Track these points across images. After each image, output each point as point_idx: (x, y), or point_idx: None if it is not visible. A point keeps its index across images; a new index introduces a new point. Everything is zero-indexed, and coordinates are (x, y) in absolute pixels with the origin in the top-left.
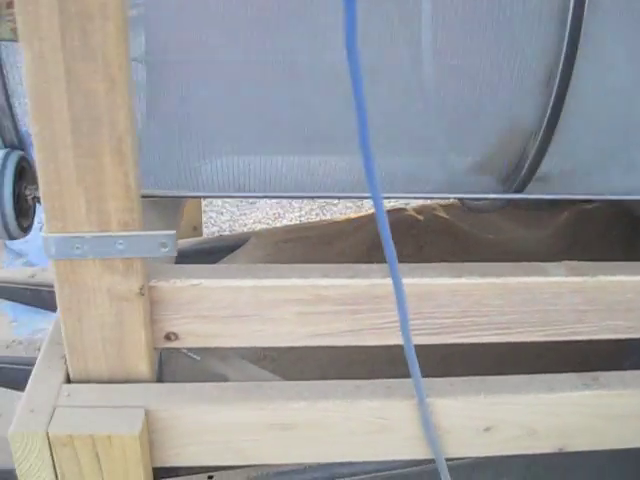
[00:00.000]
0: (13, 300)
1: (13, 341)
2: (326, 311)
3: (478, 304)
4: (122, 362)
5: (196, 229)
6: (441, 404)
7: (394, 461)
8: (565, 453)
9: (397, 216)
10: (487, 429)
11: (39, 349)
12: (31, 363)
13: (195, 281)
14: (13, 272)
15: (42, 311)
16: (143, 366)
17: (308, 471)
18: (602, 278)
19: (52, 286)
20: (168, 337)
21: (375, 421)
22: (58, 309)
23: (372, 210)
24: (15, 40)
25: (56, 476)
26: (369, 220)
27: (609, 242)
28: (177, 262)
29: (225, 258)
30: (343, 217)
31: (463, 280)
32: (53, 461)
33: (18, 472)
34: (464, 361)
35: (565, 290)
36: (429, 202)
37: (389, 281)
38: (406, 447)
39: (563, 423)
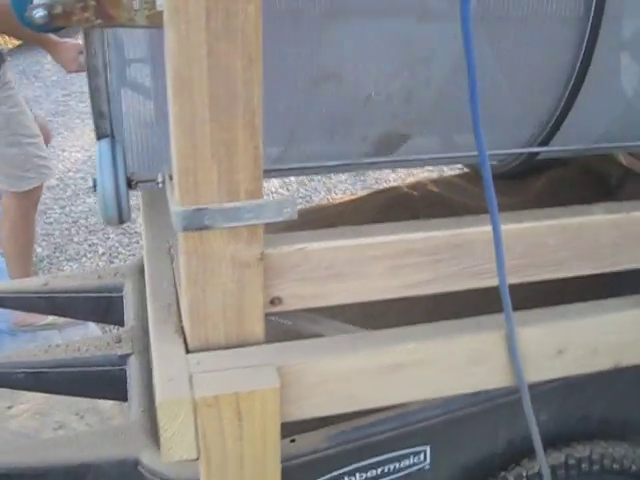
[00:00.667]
0: (29, 310)
1: (50, 345)
2: (413, 262)
3: (536, 246)
4: (240, 327)
5: None
6: (523, 333)
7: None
8: None
9: (394, 193)
10: (559, 352)
11: (78, 349)
12: (74, 364)
13: (300, 245)
14: (25, 282)
15: None
16: (258, 329)
17: (378, 424)
18: (635, 214)
19: (67, 292)
20: (272, 302)
21: (472, 354)
22: (182, 282)
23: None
24: (150, 27)
25: (197, 438)
26: (367, 199)
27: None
28: None
29: None
30: (342, 199)
31: (525, 225)
32: (196, 424)
33: (162, 440)
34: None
35: (605, 226)
36: (421, 179)
37: (462, 231)
38: (495, 376)
39: (619, 341)
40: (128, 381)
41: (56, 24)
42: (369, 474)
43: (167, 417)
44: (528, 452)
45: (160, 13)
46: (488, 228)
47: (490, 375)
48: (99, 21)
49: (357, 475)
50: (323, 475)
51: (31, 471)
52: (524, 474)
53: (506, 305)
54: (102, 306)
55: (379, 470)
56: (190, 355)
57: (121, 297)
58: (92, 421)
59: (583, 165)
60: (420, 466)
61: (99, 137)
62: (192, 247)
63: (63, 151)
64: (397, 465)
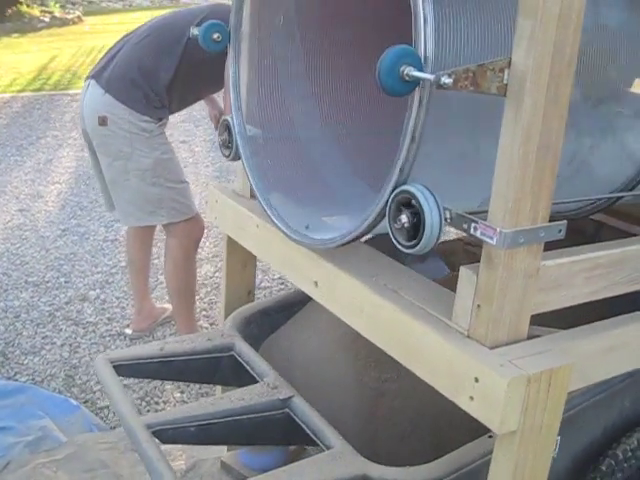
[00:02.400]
0: (145, 377)
1: (215, 397)
2: (599, 274)
3: None
4: (517, 326)
5: (250, 293)
6: None
7: None
8: None
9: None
10: None
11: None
12: (241, 413)
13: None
14: (142, 348)
15: None
16: (525, 328)
17: None
18: None
19: (182, 355)
20: None
21: None
22: (486, 292)
23: None
24: (496, 95)
25: (522, 411)
26: None
27: None
28: (263, 321)
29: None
30: None
31: None
32: (524, 398)
33: (499, 416)
34: None
35: None
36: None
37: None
38: None
39: None
40: (305, 418)
41: (454, 88)
42: None
43: (507, 394)
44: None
45: (505, 86)
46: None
47: None
48: (471, 88)
49: None
50: None
51: None
52: (628, 448)
53: None
54: (213, 366)
55: None
56: (493, 350)
57: (231, 356)
58: None
59: None
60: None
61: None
62: (506, 262)
63: None
64: None
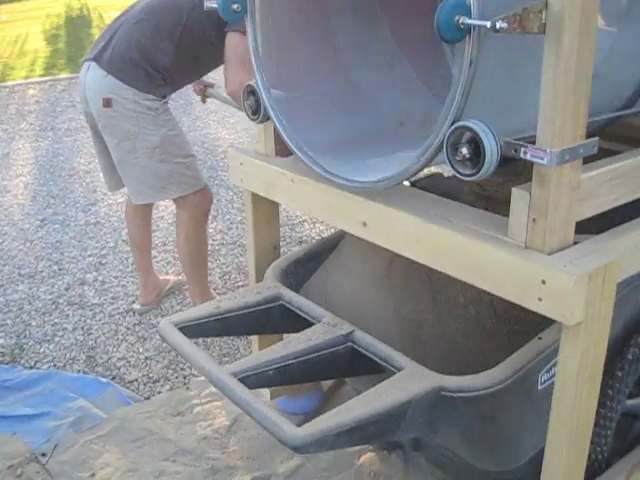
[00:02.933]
0: (205, 335)
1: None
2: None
3: None
4: (565, 232)
5: (276, 248)
6: None
7: None
8: None
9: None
10: None
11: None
12: (309, 352)
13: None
14: (200, 309)
15: None
16: (572, 234)
17: None
18: None
19: (239, 309)
20: None
21: None
22: (545, 203)
23: None
24: (536, 33)
25: (586, 304)
26: None
27: None
28: (297, 271)
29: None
30: None
31: None
32: (587, 292)
33: (569, 312)
34: None
35: None
36: None
37: None
38: None
39: None
40: (370, 347)
41: (507, 31)
42: None
43: (574, 290)
44: None
45: (544, 25)
46: None
47: None
48: (519, 30)
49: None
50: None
51: (369, 419)
52: None
53: None
54: (265, 318)
55: None
56: (552, 256)
57: (280, 306)
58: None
59: None
60: None
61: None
62: (556, 178)
63: None
64: None
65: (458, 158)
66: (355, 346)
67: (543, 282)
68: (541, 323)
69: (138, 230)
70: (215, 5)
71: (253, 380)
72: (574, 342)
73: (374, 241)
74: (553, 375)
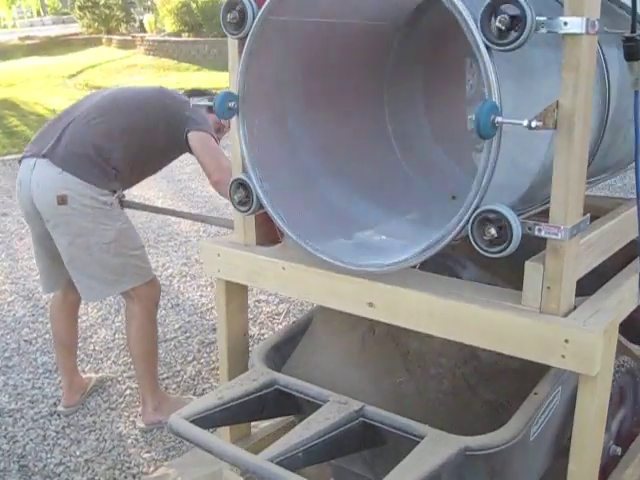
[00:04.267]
0: (211, 426)
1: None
2: (591, 249)
3: None
4: (570, 297)
5: (246, 335)
6: None
7: None
8: None
9: None
10: None
11: None
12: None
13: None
14: (203, 401)
15: None
16: (573, 296)
17: None
18: None
19: (239, 398)
20: None
21: None
22: (547, 278)
23: None
24: (553, 128)
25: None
26: None
27: None
28: (276, 355)
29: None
30: None
31: None
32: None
33: (592, 361)
34: None
35: None
36: None
37: None
38: None
39: None
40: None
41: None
42: None
43: (595, 345)
44: None
45: (555, 121)
46: None
47: None
48: (542, 125)
49: None
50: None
51: None
52: None
53: None
54: (262, 403)
55: None
56: (566, 318)
57: (275, 390)
58: None
59: None
60: None
61: None
62: (567, 250)
63: None
64: None
65: (486, 238)
66: (367, 420)
67: (566, 341)
68: (513, 389)
69: (64, 329)
70: (207, 103)
71: (285, 464)
72: (593, 390)
73: (381, 319)
74: (540, 426)
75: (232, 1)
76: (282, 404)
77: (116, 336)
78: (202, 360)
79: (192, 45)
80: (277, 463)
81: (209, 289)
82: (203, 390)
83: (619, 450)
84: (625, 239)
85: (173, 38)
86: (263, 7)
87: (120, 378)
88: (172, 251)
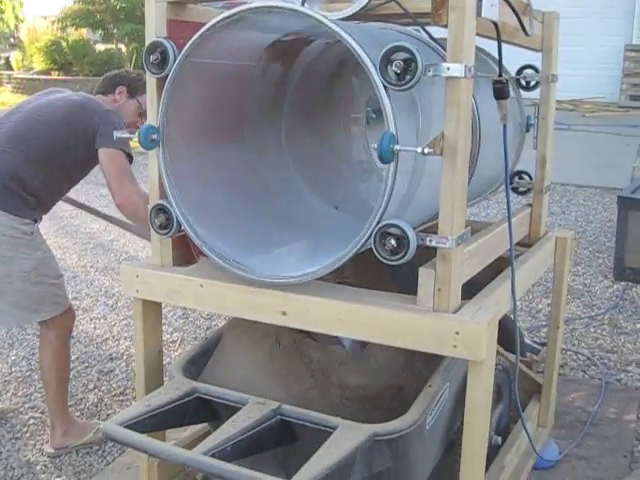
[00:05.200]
0: (141, 432)
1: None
2: (470, 259)
3: None
4: (457, 297)
5: (160, 352)
6: None
7: None
8: None
9: None
10: None
11: None
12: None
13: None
14: (133, 408)
15: None
16: (459, 296)
17: None
18: None
19: (165, 405)
20: None
21: None
22: (438, 282)
23: None
24: (439, 155)
25: None
26: None
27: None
28: (191, 368)
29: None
30: None
31: None
32: (488, 336)
33: None
34: None
35: None
36: None
37: None
38: None
39: None
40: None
41: (429, 155)
42: None
43: (483, 335)
44: None
45: (442, 148)
46: None
47: None
48: (432, 152)
49: None
50: None
51: (335, 466)
52: None
53: None
54: (184, 411)
55: None
56: (456, 314)
57: (195, 398)
58: None
59: None
60: None
61: None
62: (454, 257)
63: None
64: None
65: (387, 248)
66: (285, 418)
67: (457, 333)
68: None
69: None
70: (129, 135)
71: (217, 457)
72: (480, 374)
73: (294, 326)
74: (434, 417)
75: (155, 43)
76: (202, 411)
77: (13, 369)
78: (103, 388)
79: (62, 84)
80: (210, 456)
81: (102, 321)
82: (107, 416)
83: (500, 439)
84: (498, 252)
85: (42, 76)
86: (183, 50)
87: (22, 409)
88: None
